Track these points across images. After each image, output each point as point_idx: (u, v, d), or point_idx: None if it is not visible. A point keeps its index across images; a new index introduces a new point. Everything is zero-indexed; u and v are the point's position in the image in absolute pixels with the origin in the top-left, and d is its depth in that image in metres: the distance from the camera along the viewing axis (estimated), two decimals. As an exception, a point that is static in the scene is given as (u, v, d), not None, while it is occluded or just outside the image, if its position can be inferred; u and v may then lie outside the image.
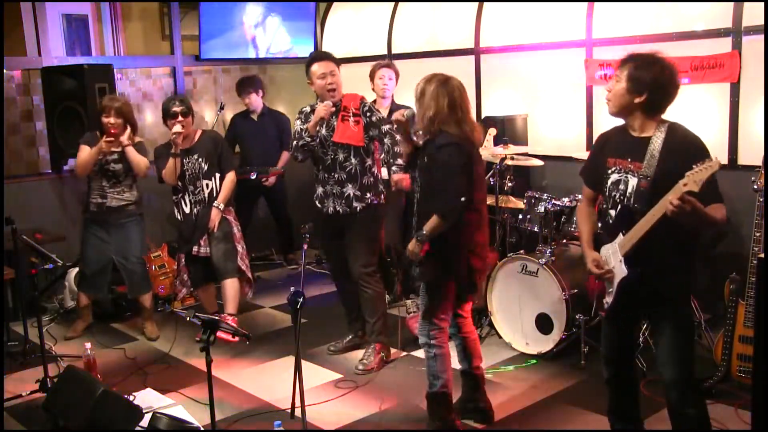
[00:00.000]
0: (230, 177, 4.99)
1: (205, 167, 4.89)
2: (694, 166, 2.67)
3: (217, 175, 4.93)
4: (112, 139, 4.78)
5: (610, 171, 3.04)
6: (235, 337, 4.80)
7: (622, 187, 2.98)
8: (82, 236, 5.12)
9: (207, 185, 4.91)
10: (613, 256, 3.00)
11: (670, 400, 3.06)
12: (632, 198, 2.94)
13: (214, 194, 4.92)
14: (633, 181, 2.94)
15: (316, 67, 4.45)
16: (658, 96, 2.91)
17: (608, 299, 3.06)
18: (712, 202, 2.80)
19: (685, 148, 2.83)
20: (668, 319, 3.00)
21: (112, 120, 4.82)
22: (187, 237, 4.98)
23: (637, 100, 2.91)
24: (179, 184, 4.88)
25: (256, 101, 6.55)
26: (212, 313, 4.92)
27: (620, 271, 2.98)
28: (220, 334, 4.68)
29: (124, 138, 4.83)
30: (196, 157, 4.88)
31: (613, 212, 3.03)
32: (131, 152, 4.87)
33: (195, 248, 4.93)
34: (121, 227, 5.02)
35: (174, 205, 5.03)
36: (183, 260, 5.07)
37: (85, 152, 4.89)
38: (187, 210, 4.90)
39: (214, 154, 4.91)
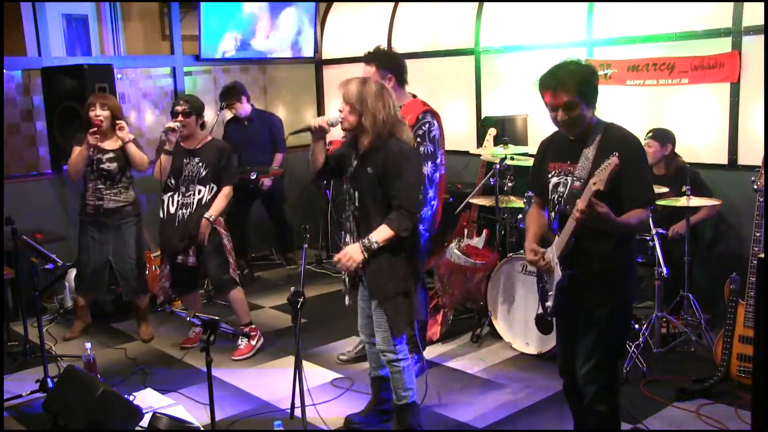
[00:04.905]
0: (226, 191, 4.76)
1: (203, 173, 4.68)
2: (601, 164, 2.67)
3: (212, 186, 4.72)
4: (95, 129, 4.70)
5: (550, 175, 3.00)
6: (242, 342, 4.83)
7: (561, 189, 2.94)
8: (79, 238, 5.06)
9: (199, 191, 4.69)
10: (553, 259, 2.94)
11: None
12: (565, 200, 2.90)
13: (203, 203, 4.69)
14: (570, 183, 2.90)
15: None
16: (596, 96, 2.89)
17: (549, 303, 2.99)
18: (632, 207, 2.78)
19: (617, 148, 2.73)
20: (590, 329, 2.94)
21: (98, 112, 4.75)
22: (169, 239, 4.76)
23: (590, 114, 2.88)
24: (172, 182, 4.72)
25: (243, 108, 6.38)
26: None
27: (557, 273, 2.91)
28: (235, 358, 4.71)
29: (124, 134, 4.76)
30: (197, 160, 4.69)
31: (553, 214, 2.99)
32: (132, 148, 4.80)
33: (182, 257, 4.72)
34: (118, 229, 4.96)
35: (160, 202, 4.80)
36: (167, 268, 4.84)
37: (75, 152, 4.83)
38: (172, 210, 4.70)
39: (217, 164, 4.71)
